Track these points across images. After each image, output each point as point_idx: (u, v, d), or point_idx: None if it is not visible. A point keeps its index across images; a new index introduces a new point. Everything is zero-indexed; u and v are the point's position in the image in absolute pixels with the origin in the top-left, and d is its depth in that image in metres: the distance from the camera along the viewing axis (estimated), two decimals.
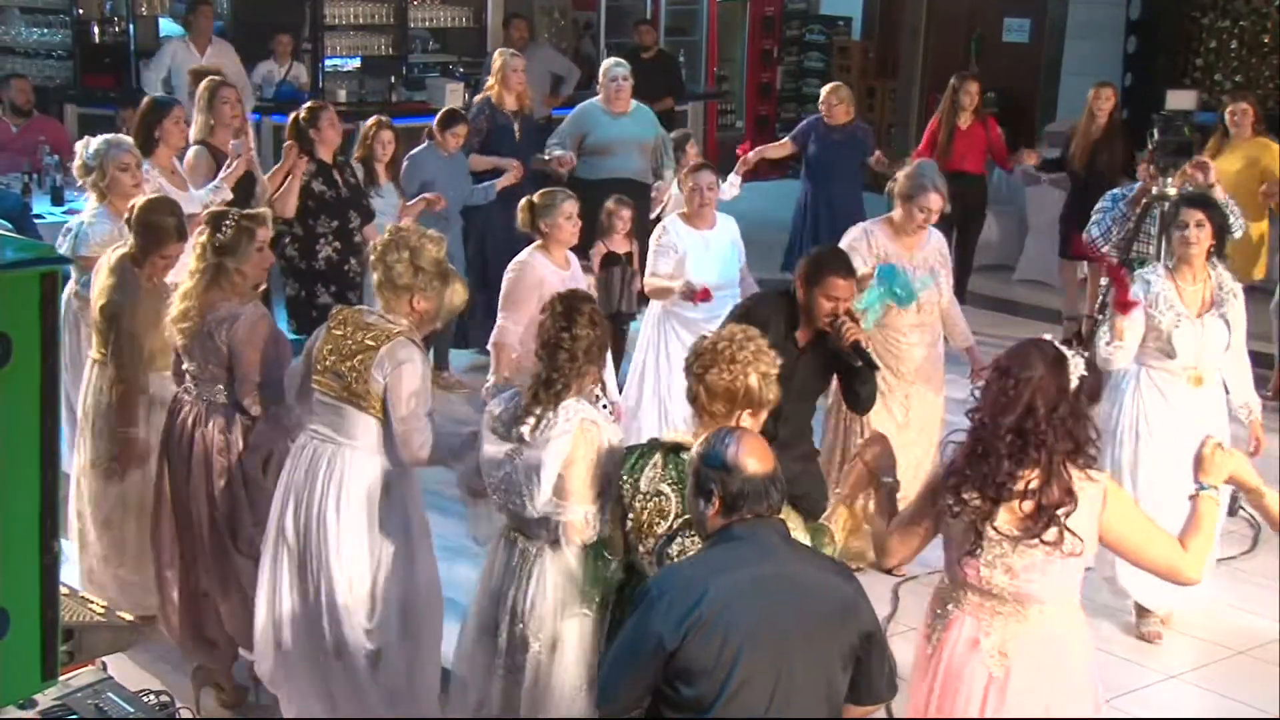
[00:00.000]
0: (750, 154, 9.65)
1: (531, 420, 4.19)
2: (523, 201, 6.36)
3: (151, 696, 3.72)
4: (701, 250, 6.88)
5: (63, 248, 6.14)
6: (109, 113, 11.18)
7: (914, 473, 5.79)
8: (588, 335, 4.22)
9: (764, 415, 3.97)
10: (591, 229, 6.96)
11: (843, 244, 6.19)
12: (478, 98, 9.41)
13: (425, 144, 8.59)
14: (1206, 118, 9.45)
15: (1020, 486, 3.62)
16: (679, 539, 3.79)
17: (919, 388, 6.41)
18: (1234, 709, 5.56)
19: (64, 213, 9.49)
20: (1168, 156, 6.99)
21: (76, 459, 5.70)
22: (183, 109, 7.41)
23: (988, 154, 10.02)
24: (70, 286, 6.28)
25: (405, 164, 8.38)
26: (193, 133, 7.47)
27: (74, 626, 3.51)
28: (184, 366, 5.15)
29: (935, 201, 6.25)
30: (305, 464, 4.74)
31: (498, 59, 9.27)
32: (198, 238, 5.07)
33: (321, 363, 4.69)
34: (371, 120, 8.34)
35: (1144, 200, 7.09)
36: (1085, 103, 9.65)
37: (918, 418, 6.39)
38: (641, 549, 3.91)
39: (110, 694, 3.58)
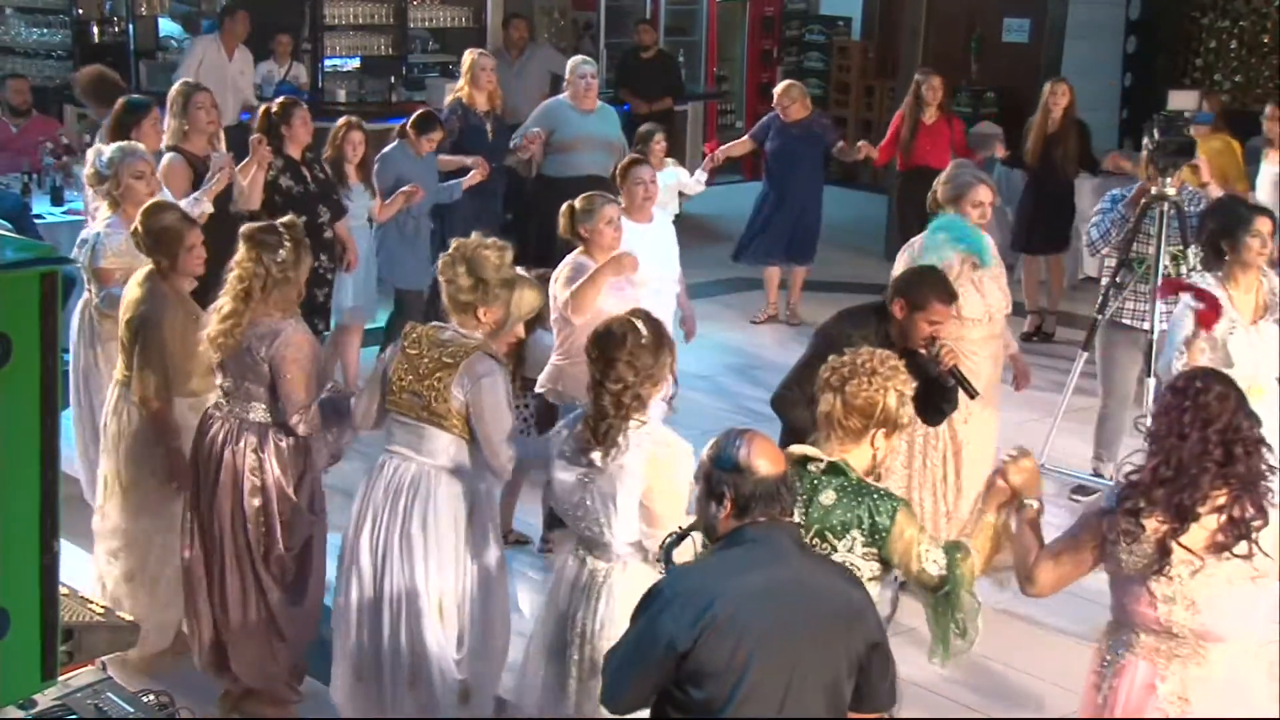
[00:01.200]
0: (717, 152, 9.75)
1: (601, 448, 4.15)
2: (563, 207, 6.27)
3: (151, 697, 3.71)
4: (640, 243, 6.73)
5: (79, 260, 6.07)
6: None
7: (975, 492, 5.76)
8: (627, 379, 4.15)
9: (895, 438, 3.91)
10: (553, 225, 6.95)
11: (904, 258, 6.07)
12: (448, 99, 9.29)
13: (395, 143, 8.47)
14: (1206, 118, 9.46)
15: (1207, 507, 3.52)
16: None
17: (977, 407, 6.01)
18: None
19: (63, 213, 9.50)
20: (1168, 157, 6.98)
21: (101, 479, 5.58)
22: (158, 111, 7.30)
23: (952, 151, 10.08)
24: (86, 297, 6.20)
25: (376, 163, 8.26)
26: (165, 138, 7.34)
27: (74, 626, 3.50)
28: (218, 383, 5.03)
29: (985, 193, 6.04)
30: (384, 483, 4.66)
31: (467, 58, 9.16)
32: (239, 255, 4.90)
33: (398, 383, 4.62)
34: (341, 121, 8.18)
35: (1142, 200, 7.08)
36: (1042, 98, 9.74)
37: (977, 435, 6.13)
38: None
39: (109, 694, 3.58)
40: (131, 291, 5.37)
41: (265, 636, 5.07)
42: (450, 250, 4.65)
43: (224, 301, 4.92)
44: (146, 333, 5.26)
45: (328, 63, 12.44)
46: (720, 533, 3.40)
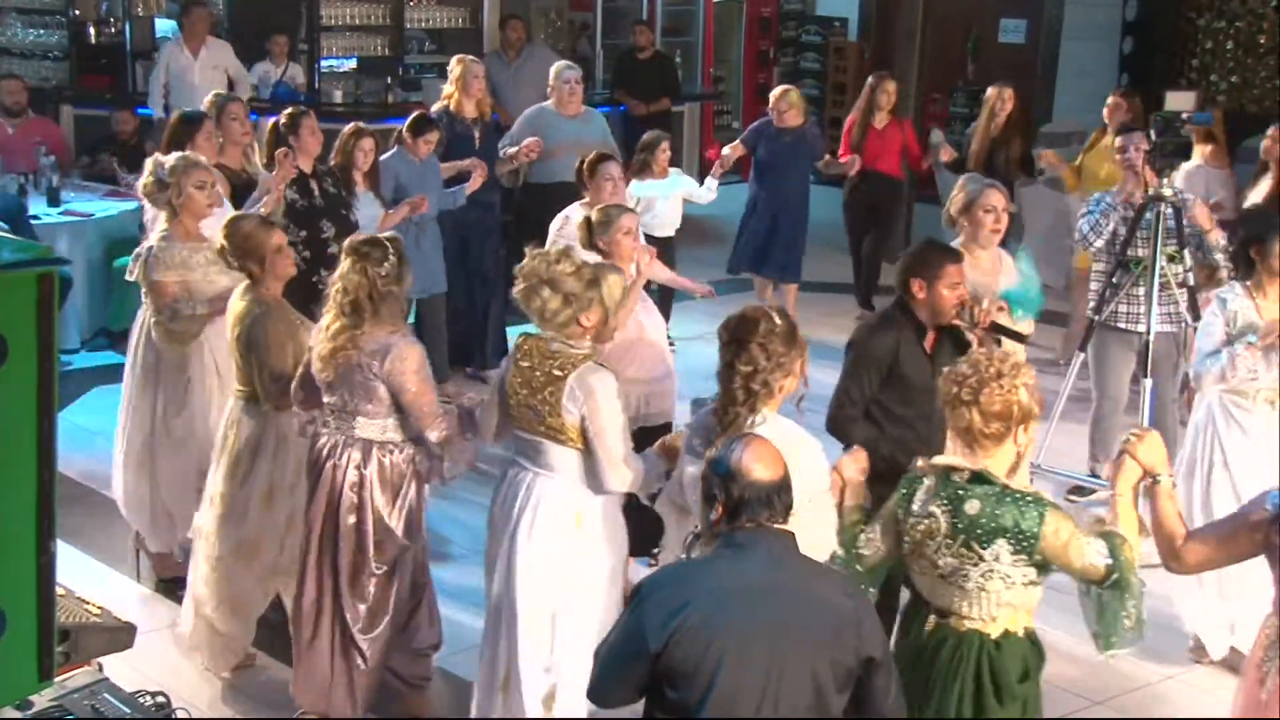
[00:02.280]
0: (725, 151, 9.70)
1: (727, 440, 4.14)
2: (580, 220, 6.23)
3: (148, 698, 3.72)
4: None
5: (133, 275, 6.02)
6: (105, 114, 11.20)
7: None
8: (759, 362, 4.14)
9: (1033, 428, 3.88)
10: (543, 232, 6.89)
11: None
12: (435, 106, 9.15)
13: (394, 149, 8.33)
14: (1203, 118, 9.48)
15: None
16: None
17: None
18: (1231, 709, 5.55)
19: (60, 213, 9.51)
20: (1165, 157, 6.97)
21: (208, 495, 5.52)
22: (212, 123, 7.18)
23: (904, 157, 10.05)
24: (143, 315, 6.10)
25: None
26: None
27: (70, 627, 3.51)
28: (325, 399, 4.98)
29: (998, 198, 5.95)
30: (504, 491, 4.69)
31: (457, 66, 9.00)
32: (342, 268, 4.86)
33: (515, 396, 4.62)
34: (349, 128, 7.96)
35: (1140, 202, 7.08)
36: (988, 101, 9.71)
37: None
38: (916, 569, 3.88)
39: (106, 695, 3.59)
40: (235, 306, 5.39)
41: (331, 659, 5.02)
42: (523, 283, 4.58)
43: (330, 318, 4.87)
44: (257, 343, 5.26)
45: (324, 63, 12.40)
46: (714, 535, 3.41)
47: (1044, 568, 3.77)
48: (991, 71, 12.92)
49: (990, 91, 9.77)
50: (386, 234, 5.11)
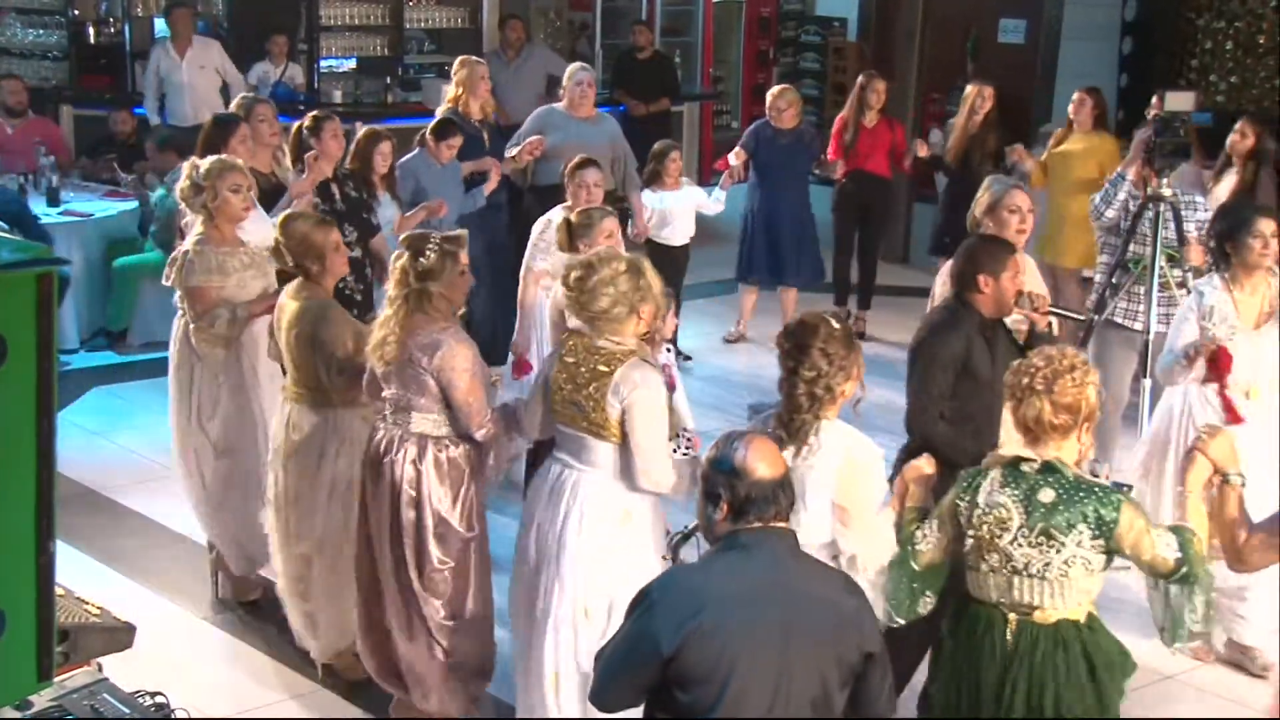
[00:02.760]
0: (733, 162, 9.68)
1: (792, 445, 4.13)
2: (559, 222, 6.21)
3: (148, 698, 3.72)
4: None
5: (169, 280, 5.98)
6: (104, 114, 11.20)
7: None
8: (821, 367, 4.13)
9: (1094, 432, 3.92)
10: None
11: (940, 286, 5.98)
12: (441, 109, 9.02)
13: (416, 151, 8.24)
14: (1201, 118, 9.47)
15: None
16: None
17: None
18: (1231, 709, 5.56)
19: (60, 214, 9.51)
20: (1165, 157, 6.98)
21: (271, 495, 5.52)
22: (246, 127, 7.10)
23: (891, 156, 10.05)
24: (180, 323, 6.03)
25: (396, 172, 7.92)
26: None
27: (70, 627, 3.51)
28: (383, 393, 5.00)
29: (1022, 198, 5.94)
30: (548, 487, 4.67)
31: (462, 69, 8.90)
32: (395, 263, 4.91)
33: (559, 392, 4.61)
34: (365, 131, 7.78)
35: (1140, 201, 7.09)
36: (967, 99, 9.71)
37: None
38: (984, 565, 3.89)
39: (106, 695, 3.58)
40: (289, 305, 5.36)
41: (428, 649, 5.04)
42: (579, 293, 4.55)
43: (384, 307, 4.94)
44: (322, 338, 5.24)
45: (323, 63, 12.40)
46: (716, 535, 3.40)
47: (1109, 557, 3.83)
48: (991, 71, 12.91)
49: (970, 89, 9.76)
50: (454, 232, 5.08)
